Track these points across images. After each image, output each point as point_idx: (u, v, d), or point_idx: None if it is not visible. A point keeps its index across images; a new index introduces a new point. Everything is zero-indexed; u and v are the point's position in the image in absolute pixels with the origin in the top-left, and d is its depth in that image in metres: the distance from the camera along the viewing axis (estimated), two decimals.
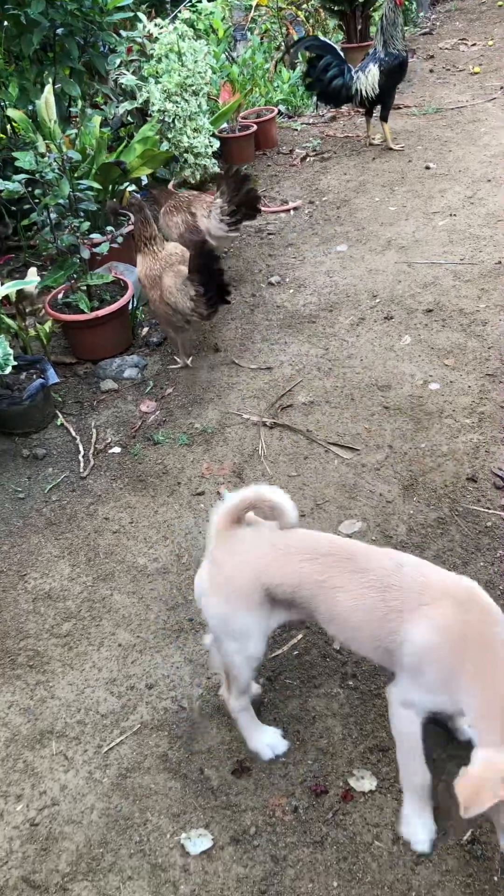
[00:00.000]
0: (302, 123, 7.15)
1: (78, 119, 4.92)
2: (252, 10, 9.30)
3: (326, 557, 1.84)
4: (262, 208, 5.32)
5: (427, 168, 5.54)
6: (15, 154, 3.69)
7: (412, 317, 3.87)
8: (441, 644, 1.66)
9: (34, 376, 3.50)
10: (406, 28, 9.56)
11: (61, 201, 3.39)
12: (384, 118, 5.93)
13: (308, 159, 6.21)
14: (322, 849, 1.90)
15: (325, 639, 2.41)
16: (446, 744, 2.07)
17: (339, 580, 1.80)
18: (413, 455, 3.04)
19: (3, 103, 5.13)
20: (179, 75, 4.29)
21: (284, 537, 1.90)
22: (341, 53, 6.03)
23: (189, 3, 11.42)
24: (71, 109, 5.37)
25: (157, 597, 2.65)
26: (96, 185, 3.57)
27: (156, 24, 4.53)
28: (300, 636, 2.44)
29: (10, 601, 2.72)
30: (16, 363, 3.18)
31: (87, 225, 3.49)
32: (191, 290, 3.49)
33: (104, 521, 3.00)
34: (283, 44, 8.81)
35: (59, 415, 3.58)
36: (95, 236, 3.60)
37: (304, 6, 9.11)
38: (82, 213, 3.57)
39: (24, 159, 3.60)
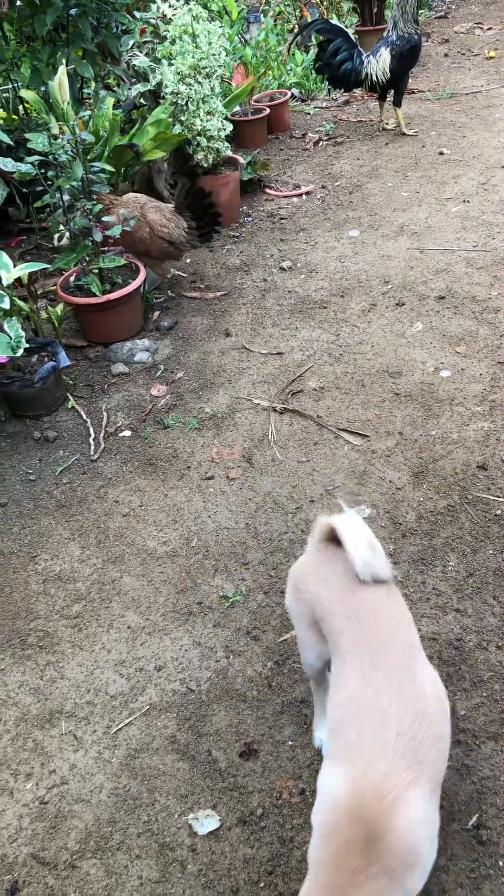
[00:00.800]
0: (315, 107, 7.10)
1: (91, 100, 4.89)
2: None
3: (357, 632, 1.64)
4: (274, 192, 5.30)
5: (441, 154, 5.50)
6: (27, 135, 3.67)
7: (424, 303, 3.85)
8: None
9: (45, 359, 3.51)
10: (421, 12, 9.47)
11: (74, 183, 3.38)
12: (397, 103, 5.88)
13: (321, 143, 6.18)
14: None
15: None
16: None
17: (350, 662, 1.62)
18: (423, 442, 3.03)
19: (15, 84, 5.11)
20: (193, 57, 4.26)
21: (347, 583, 1.71)
22: (352, 37, 5.98)
23: None
24: (84, 90, 5.35)
25: (167, 580, 2.66)
26: (109, 168, 3.56)
27: (170, 6, 4.49)
28: None
29: (21, 582, 2.74)
30: (27, 346, 3.18)
31: (99, 207, 3.48)
32: (183, 223, 4.01)
33: (114, 504, 3.01)
34: (296, 26, 8.73)
35: (70, 398, 3.59)
36: (108, 219, 3.58)
37: None
38: (95, 196, 3.56)
39: (37, 140, 3.58)
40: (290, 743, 2.13)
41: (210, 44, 4.30)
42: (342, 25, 6.12)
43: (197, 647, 2.43)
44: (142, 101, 5.49)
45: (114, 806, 2.04)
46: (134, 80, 5.51)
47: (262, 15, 9.13)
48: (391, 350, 3.57)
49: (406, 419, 3.17)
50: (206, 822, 1.98)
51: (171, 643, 2.45)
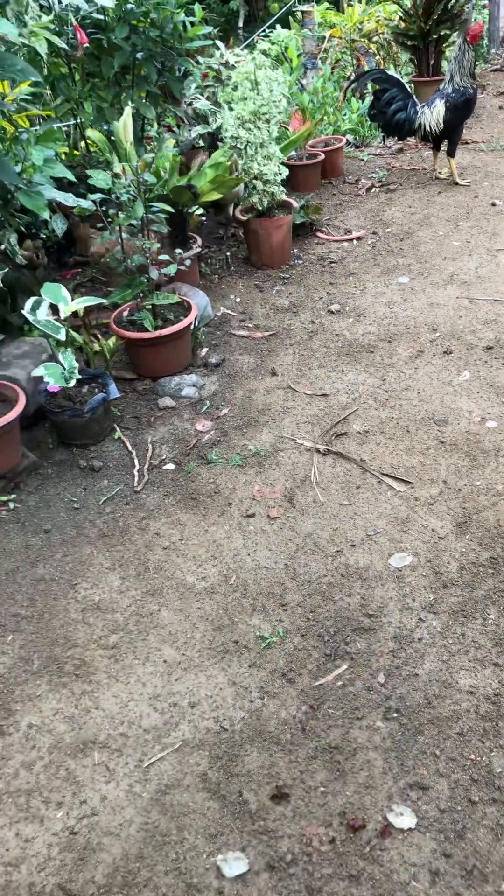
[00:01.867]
0: (369, 154, 7.21)
1: (152, 140, 5.03)
2: (325, 41, 9.45)
3: None
4: (325, 236, 5.37)
5: (493, 205, 5.54)
6: (89, 172, 3.79)
7: (472, 353, 3.86)
8: None
9: (96, 390, 3.58)
10: (477, 64, 9.60)
11: (134, 222, 3.48)
12: (451, 153, 5.96)
13: (373, 190, 6.26)
14: (358, 884, 1.90)
15: (370, 671, 2.41)
16: None
17: None
18: (467, 492, 3.03)
19: (79, 121, 5.29)
20: (254, 104, 4.37)
21: None
22: (407, 87, 6.09)
23: (263, 32, 11.63)
24: (144, 130, 5.51)
25: (204, 616, 2.67)
26: (168, 209, 3.65)
27: (234, 54, 4.63)
28: (345, 666, 2.44)
29: (60, 609, 2.77)
30: (79, 377, 3.26)
31: (156, 246, 3.57)
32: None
33: (155, 537, 3.04)
34: (352, 74, 8.91)
35: (117, 429, 3.65)
36: (164, 258, 3.67)
37: (377, 38, 9.23)
38: (153, 235, 3.65)
39: (99, 178, 3.70)
40: (321, 789, 2.12)
41: (271, 91, 4.41)
42: (398, 75, 6.24)
43: (232, 685, 2.43)
44: (200, 142, 5.65)
45: (142, 841, 2.04)
46: (194, 121, 5.66)
47: (319, 62, 9.35)
48: (437, 398, 3.58)
49: (450, 468, 3.16)
50: (234, 864, 1.97)
51: (206, 680, 2.46)
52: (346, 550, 2.85)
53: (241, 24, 15.67)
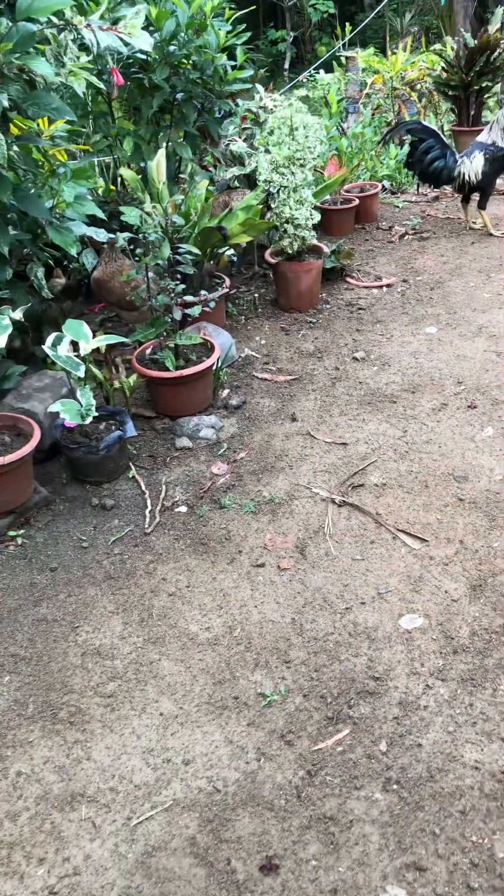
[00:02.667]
0: (404, 201, 7.22)
1: (186, 180, 5.07)
2: (367, 87, 9.54)
3: None
4: (355, 282, 5.36)
5: None
6: (122, 209, 3.81)
7: (497, 408, 3.79)
8: None
9: (113, 427, 3.56)
10: None
11: (160, 262, 3.48)
12: (482, 206, 5.94)
13: (406, 237, 6.25)
14: None
15: (372, 738, 2.32)
16: None
17: None
18: (484, 554, 2.94)
19: (117, 158, 5.35)
20: (289, 149, 4.39)
21: None
22: (444, 138, 6.12)
23: (309, 74, 11.80)
24: (180, 170, 5.56)
25: (205, 668, 2.60)
26: (195, 251, 3.65)
27: (272, 99, 4.67)
28: (346, 731, 2.35)
29: (60, 653, 2.72)
30: (96, 414, 3.24)
31: (182, 287, 3.56)
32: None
33: (161, 582, 2.98)
34: (394, 120, 8.97)
35: (132, 467, 3.62)
36: (189, 298, 3.67)
37: (419, 87, 9.29)
38: (179, 276, 3.65)
39: (131, 214, 3.72)
40: (313, 863, 2.02)
41: (306, 137, 4.43)
42: (436, 125, 6.28)
43: (228, 744, 2.35)
44: (236, 183, 5.68)
45: None
46: (231, 162, 5.71)
47: (361, 106, 9.44)
48: (458, 453, 3.51)
49: (468, 527, 3.08)
50: None
51: (202, 737, 2.38)
52: (355, 608, 2.77)
53: (286, 65, 15.96)
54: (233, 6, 5.58)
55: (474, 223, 6.28)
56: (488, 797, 2.13)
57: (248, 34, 5.21)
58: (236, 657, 2.63)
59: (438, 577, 2.86)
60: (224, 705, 2.48)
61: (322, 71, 10.94)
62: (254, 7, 5.68)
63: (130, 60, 4.90)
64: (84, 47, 3.30)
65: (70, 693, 2.57)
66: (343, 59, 9.66)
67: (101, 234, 4.06)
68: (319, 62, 11.90)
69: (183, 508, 3.37)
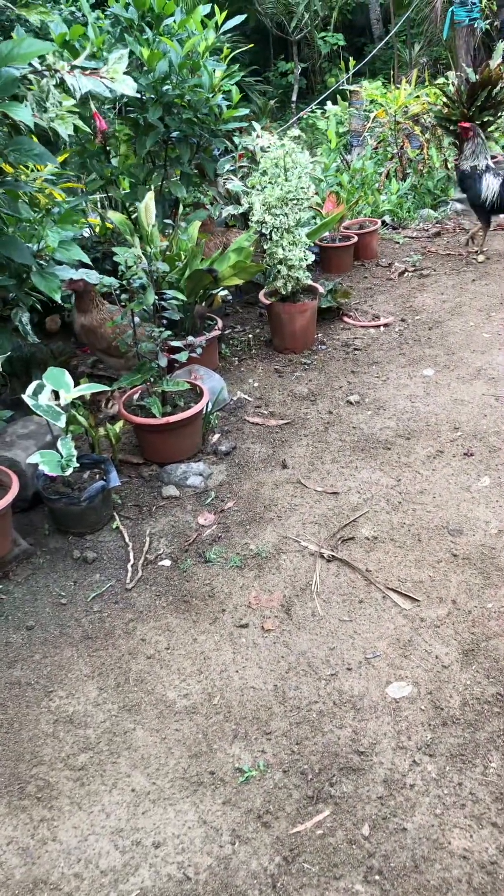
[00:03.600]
0: (405, 236, 7.16)
1: (178, 223, 5.02)
2: (370, 121, 9.54)
3: None
4: (352, 321, 5.27)
5: None
6: (115, 249, 3.74)
7: (494, 456, 3.67)
8: None
9: (97, 476, 3.46)
10: None
11: (145, 308, 3.40)
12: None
13: (406, 274, 6.17)
14: None
15: (354, 820, 2.18)
16: None
17: None
18: (477, 615, 2.81)
19: (110, 198, 5.31)
20: (281, 189, 4.33)
21: None
22: None
23: (314, 107, 11.84)
24: (177, 210, 5.51)
25: (181, 739, 2.47)
26: (181, 297, 3.56)
27: (266, 139, 4.62)
28: (327, 812, 2.21)
29: (32, 719, 2.60)
30: (77, 465, 3.14)
31: (167, 334, 3.48)
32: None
33: (140, 643, 2.86)
34: (396, 155, 8.95)
35: (117, 517, 3.51)
36: (177, 344, 3.58)
37: (422, 120, 9.28)
38: (165, 321, 3.57)
39: (121, 256, 3.65)
40: None
41: (299, 177, 4.36)
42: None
43: (202, 825, 2.22)
44: (233, 220, 5.63)
45: None
46: (227, 201, 5.67)
47: (365, 139, 9.43)
48: (454, 504, 3.39)
49: (462, 585, 2.95)
50: None
51: (175, 816, 2.25)
52: (341, 674, 2.64)
53: (294, 97, 16.06)
54: (239, 42, 5.58)
55: (477, 257, 6.20)
56: (477, 891, 1.99)
57: (242, 73, 5.18)
58: (214, 727, 2.50)
59: (429, 640, 2.73)
60: (199, 781, 2.35)
61: (329, 103, 10.95)
62: (252, 45, 5.66)
63: (125, 100, 4.87)
64: (67, 91, 3.25)
65: (40, 765, 2.44)
66: (348, 92, 9.67)
67: (92, 276, 4.00)
68: (324, 96, 11.91)
69: (167, 562, 3.26)
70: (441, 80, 9.10)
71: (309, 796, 2.27)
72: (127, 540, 3.38)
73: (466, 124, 5.90)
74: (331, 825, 2.19)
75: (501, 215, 6.16)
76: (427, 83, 9.83)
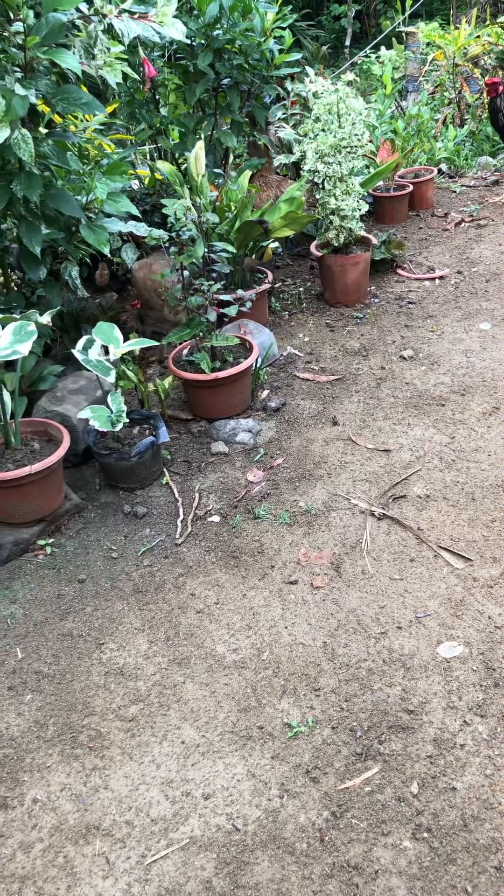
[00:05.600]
0: (462, 185, 6.92)
1: (230, 171, 4.92)
2: (427, 64, 9.18)
3: None
4: (406, 274, 5.14)
5: None
6: (163, 201, 3.69)
7: None
8: None
9: (146, 432, 3.46)
10: None
11: (195, 261, 3.34)
12: None
13: (463, 225, 5.97)
14: None
15: (403, 778, 2.17)
16: None
17: None
18: None
19: (159, 148, 5.22)
20: (334, 137, 4.19)
21: None
22: None
23: (366, 53, 11.45)
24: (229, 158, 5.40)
25: (230, 694, 2.49)
26: (231, 249, 3.50)
27: (320, 84, 4.46)
28: (376, 769, 2.21)
29: (83, 671, 2.64)
30: (127, 420, 3.13)
31: (216, 287, 3.42)
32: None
33: (190, 597, 2.87)
34: (453, 100, 8.61)
35: (166, 473, 3.51)
36: (226, 297, 3.53)
37: (482, 62, 8.90)
38: (215, 274, 3.51)
39: (171, 208, 3.59)
40: None
41: (354, 124, 4.22)
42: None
43: (251, 778, 2.24)
44: (284, 170, 5.50)
45: None
46: (279, 149, 5.53)
47: (421, 84, 9.09)
48: None
49: None
50: None
51: (224, 769, 2.27)
52: (391, 632, 2.62)
53: (348, 42, 15.55)
54: None
55: None
56: None
57: (294, 17, 4.99)
58: (263, 683, 2.51)
59: (482, 600, 2.68)
60: (248, 735, 2.36)
61: (384, 47, 10.57)
62: None
63: (175, 46, 4.75)
64: (116, 37, 3.17)
65: (91, 715, 2.49)
66: (403, 35, 9.32)
67: (141, 229, 3.94)
68: (377, 39, 11.51)
69: (216, 518, 3.26)
70: (503, 18, 8.69)
71: (357, 753, 2.27)
72: (176, 495, 3.39)
73: (494, 80, 5.63)
74: (379, 782, 2.18)
75: None
76: (488, 23, 9.40)
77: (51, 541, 3.20)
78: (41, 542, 3.18)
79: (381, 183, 5.88)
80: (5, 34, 2.88)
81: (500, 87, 5.62)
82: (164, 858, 2.07)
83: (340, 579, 2.86)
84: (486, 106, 7.16)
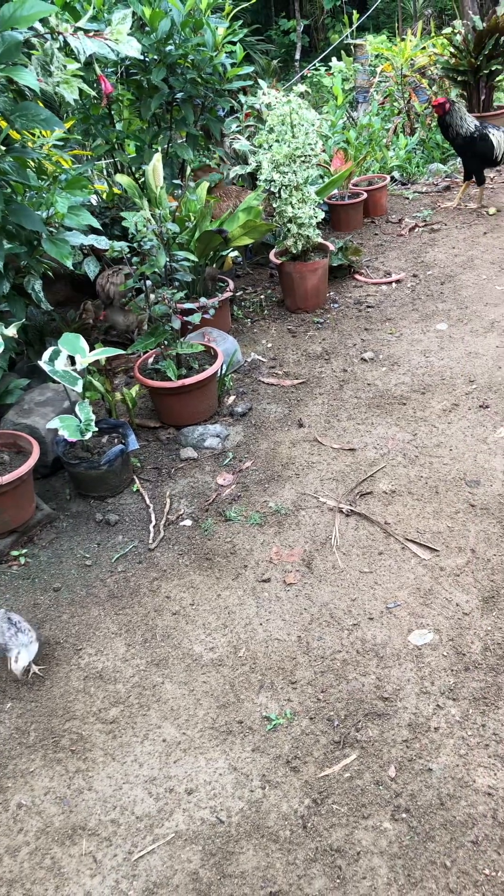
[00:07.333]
0: (415, 192, 7.08)
1: (188, 182, 4.99)
2: (377, 76, 9.37)
3: None
4: (363, 279, 5.25)
5: None
6: (123, 214, 3.74)
7: None
8: None
9: (115, 440, 3.50)
10: None
11: (157, 271, 3.40)
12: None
13: (416, 230, 6.12)
14: None
15: (381, 763, 2.24)
16: None
17: None
18: (497, 563, 2.84)
19: (117, 163, 5.27)
20: (289, 146, 4.29)
21: None
22: None
23: (317, 64, 11.62)
24: (184, 172, 5.47)
25: (209, 691, 2.53)
26: (192, 258, 3.56)
27: (273, 96, 4.56)
28: (354, 756, 2.27)
29: (62, 676, 2.67)
30: (95, 429, 3.17)
31: (179, 295, 3.48)
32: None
33: (165, 600, 2.92)
34: (403, 110, 8.81)
35: (137, 480, 3.55)
36: (189, 306, 3.59)
37: (429, 73, 9.11)
38: (177, 283, 3.57)
39: (131, 220, 3.64)
40: None
41: (307, 134, 4.32)
42: None
43: (232, 771, 2.28)
44: (241, 181, 5.59)
45: None
46: (234, 161, 5.62)
47: (371, 95, 9.27)
48: (470, 456, 3.40)
49: (480, 535, 2.98)
50: None
51: (206, 764, 2.32)
52: (363, 624, 2.69)
53: (297, 56, 15.77)
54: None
55: (488, 210, 6.14)
56: (502, 825, 2.04)
57: (244, 31, 5.10)
58: (241, 678, 2.56)
59: (449, 589, 2.77)
60: (228, 730, 2.41)
61: (334, 59, 10.76)
62: (253, 2, 5.55)
63: (128, 62, 4.82)
64: (72, 54, 3.22)
65: (72, 719, 2.51)
66: (352, 48, 9.50)
67: (102, 242, 3.99)
68: (327, 52, 11.71)
69: (188, 522, 3.30)
70: (447, 30, 8.92)
71: (336, 741, 2.33)
72: (148, 502, 3.43)
73: (439, 100, 5.88)
74: (358, 768, 2.24)
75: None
76: (433, 35, 9.63)
77: (24, 551, 3.22)
78: (14, 553, 3.19)
79: (336, 191, 6.00)
80: None
81: (447, 105, 5.81)
82: (150, 854, 2.11)
83: (312, 575, 2.92)
84: (436, 118, 7.37)
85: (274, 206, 4.47)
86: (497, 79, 8.11)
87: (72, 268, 3.49)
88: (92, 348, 3.32)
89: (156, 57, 4.66)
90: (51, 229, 3.58)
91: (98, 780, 2.32)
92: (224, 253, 4.38)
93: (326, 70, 11.13)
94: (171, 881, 2.03)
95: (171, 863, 2.07)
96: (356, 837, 2.07)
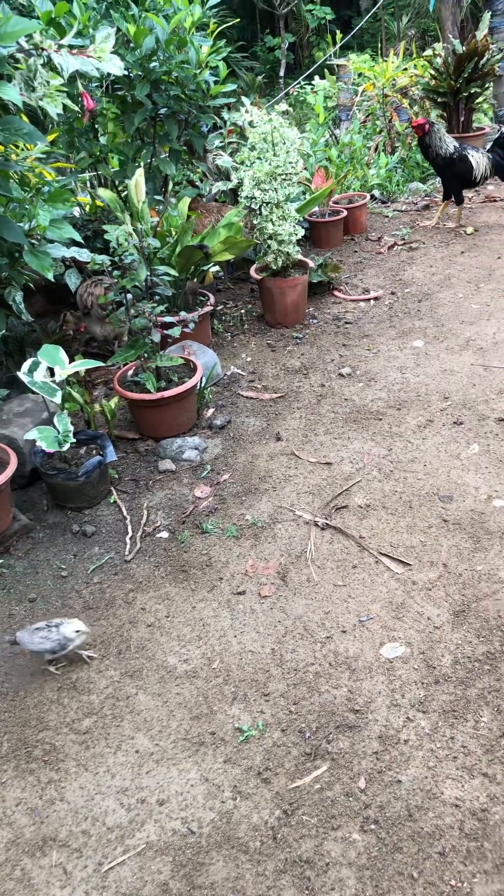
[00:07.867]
0: (394, 210, 7.18)
1: (168, 198, 5.04)
2: (358, 95, 9.50)
3: None
4: (342, 296, 5.31)
5: None
6: (105, 227, 3.77)
7: (483, 424, 3.73)
8: None
9: (93, 452, 3.51)
10: None
11: (138, 284, 3.44)
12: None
13: (395, 248, 6.20)
14: None
15: (351, 774, 2.26)
16: None
17: None
18: (468, 577, 2.88)
19: (100, 176, 5.31)
20: (270, 164, 4.35)
21: None
22: None
23: (303, 82, 11.75)
24: (167, 186, 5.52)
25: (182, 703, 2.55)
26: (173, 273, 3.60)
27: (256, 113, 4.62)
28: (325, 768, 2.29)
29: (36, 687, 2.67)
30: (74, 440, 3.19)
31: (160, 309, 3.52)
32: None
33: (140, 612, 2.93)
34: (384, 129, 8.93)
35: (114, 492, 3.57)
36: (170, 319, 3.62)
37: (410, 93, 9.25)
38: (158, 297, 3.60)
39: (113, 234, 3.68)
40: None
41: (288, 152, 4.38)
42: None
43: (204, 782, 2.30)
44: (223, 197, 5.65)
45: None
46: (217, 176, 5.67)
47: (353, 114, 9.39)
48: (444, 471, 3.45)
49: (452, 549, 3.02)
50: None
51: (178, 775, 2.33)
52: (336, 637, 2.72)
53: (282, 72, 15.93)
54: (226, 17, 5.56)
55: (466, 230, 6.24)
56: (468, 837, 2.08)
57: (229, 49, 5.17)
58: (214, 690, 2.58)
59: (421, 602, 2.81)
60: (201, 741, 2.42)
61: (317, 77, 10.89)
62: (238, 20, 5.63)
63: (113, 77, 4.86)
64: (55, 70, 3.26)
65: (45, 730, 2.52)
66: (336, 66, 9.62)
67: (84, 255, 4.02)
68: (310, 70, 11.85)
69: (164, 534, 3.32)
70: (428, 52, 9.06)
71: (307, 753, 2.35)
72: (125, 513, 3.45)
73: (419, 121, 6.01)
74: (328, 780, 2.27)
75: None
76: (415, 55, 9.78)
77: (0, 561, 3.22)
78: None
79: (316, 209, 6.07)
80: None
81: (427, 126, 5.93)
82: (120, 865, 2.12)
83: (287, 588, 2.95)
84: (416, 138, 7.51)
85: (255, 222, 4.53)
86: (476, 101, 8.27)
87: (53, 280, 3.51)
88: (72, 359, 3.34)
89: (140, 73, 4.71)
90: (32, 241, 3.60)
91: (70, 790, 2.32)
92: (205, 268, 4.43)
93: (310, 88, 11.27)
94: (140, 892, 2.04)
95: (141, 874, 2.08)
96: (325, 849, 2.10)
